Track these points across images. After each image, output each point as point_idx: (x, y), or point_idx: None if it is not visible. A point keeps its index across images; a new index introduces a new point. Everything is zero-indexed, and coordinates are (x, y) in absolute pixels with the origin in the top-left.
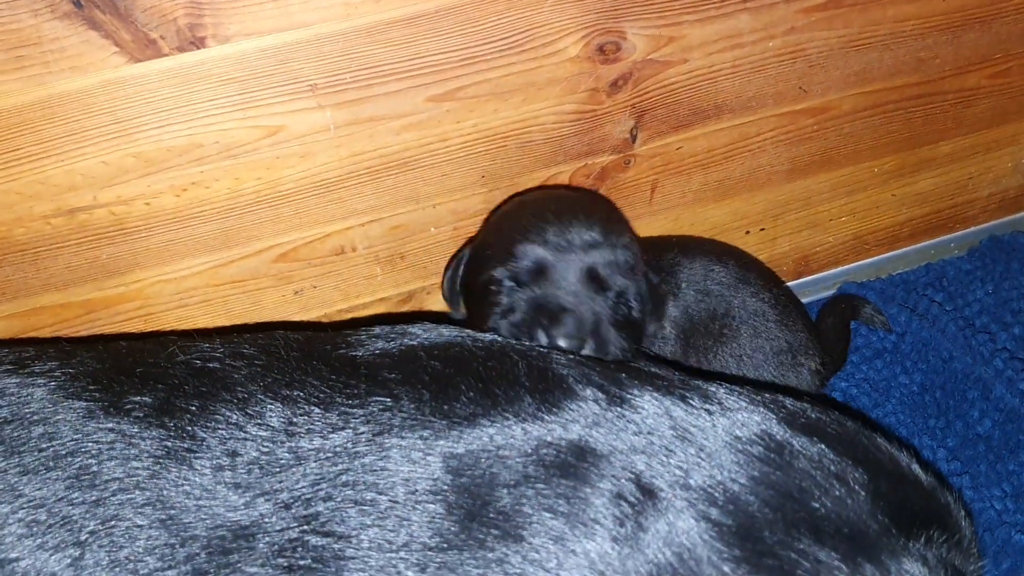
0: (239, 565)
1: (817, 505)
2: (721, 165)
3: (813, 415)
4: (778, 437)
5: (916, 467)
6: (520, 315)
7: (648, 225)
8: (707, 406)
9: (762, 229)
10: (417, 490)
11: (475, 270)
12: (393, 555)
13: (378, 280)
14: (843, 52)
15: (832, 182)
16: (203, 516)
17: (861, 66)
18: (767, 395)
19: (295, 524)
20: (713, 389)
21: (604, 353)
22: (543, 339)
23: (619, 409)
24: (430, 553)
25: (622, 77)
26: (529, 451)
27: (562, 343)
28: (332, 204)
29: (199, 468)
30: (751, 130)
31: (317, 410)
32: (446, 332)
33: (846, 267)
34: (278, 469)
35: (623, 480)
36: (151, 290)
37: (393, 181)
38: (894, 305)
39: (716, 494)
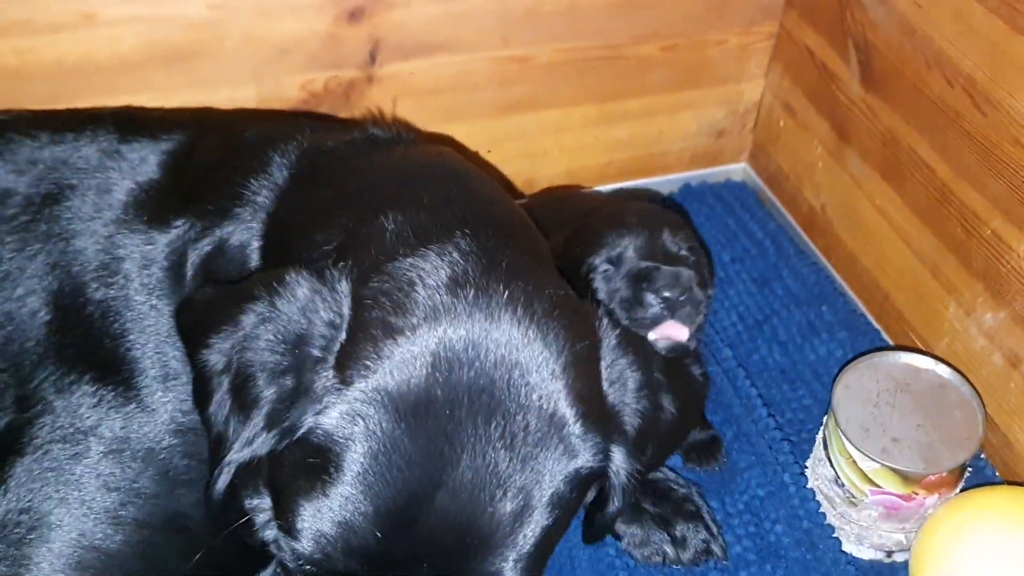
0: None
1: None
2: (448, 94)
3: None
4: None
5: None
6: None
7: None
8: None
9: (488, 151)
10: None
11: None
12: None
13: None
14: (537, 14)
15: (541, 122)
16: None
17: (552, 28)
18: None
19: (35, 188)
20: None
21: (696, 308)
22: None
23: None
24: None
25: (358, 10)
26: None
27: (666, 293)
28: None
29: None
30: (468, 68)
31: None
32: None
33: None
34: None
35: None
36: None
37: (178, 69)
38: None
39: None
